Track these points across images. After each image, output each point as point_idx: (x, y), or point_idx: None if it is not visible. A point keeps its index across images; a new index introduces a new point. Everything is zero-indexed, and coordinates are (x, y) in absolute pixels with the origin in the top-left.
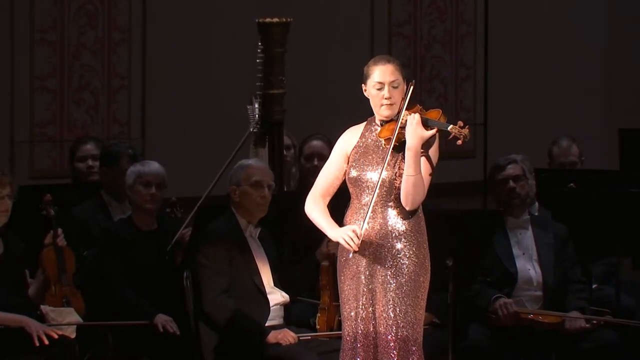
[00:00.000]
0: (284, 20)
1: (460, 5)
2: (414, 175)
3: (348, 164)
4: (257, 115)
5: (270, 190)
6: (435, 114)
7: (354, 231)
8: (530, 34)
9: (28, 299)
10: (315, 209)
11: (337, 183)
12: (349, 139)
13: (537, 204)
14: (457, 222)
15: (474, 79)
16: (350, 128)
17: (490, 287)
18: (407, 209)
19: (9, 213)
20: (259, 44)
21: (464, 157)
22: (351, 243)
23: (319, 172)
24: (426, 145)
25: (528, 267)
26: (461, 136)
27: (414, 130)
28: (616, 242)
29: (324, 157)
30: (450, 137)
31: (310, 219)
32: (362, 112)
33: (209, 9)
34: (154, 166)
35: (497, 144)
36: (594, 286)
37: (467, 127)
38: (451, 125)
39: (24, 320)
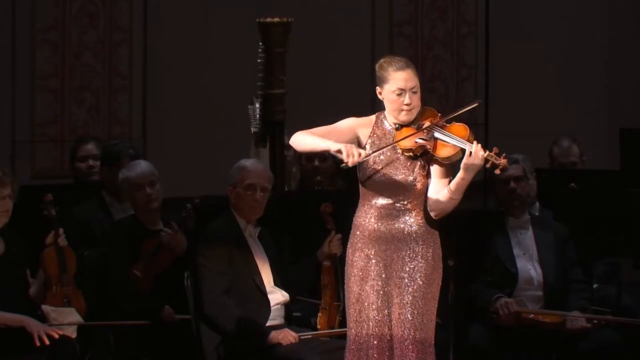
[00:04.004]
0: (285, 20)
1: (461, 5)
2: (459, 198)
3: (362, 163)
4: (258, 115)
5: (265, 192)
6: (463, 132)
7: (358, 151)
8: (530, 34)
9: (29, 299)
10: (307, 135)
11: None
12: (361, 127)
13: (537, 204)
14: (457, 222)
15: (474, 79)
16: (360, 119)
17: (491, 287)
18: (436, 219)
19: (10, 213)
20: (260, 44)
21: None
22: (350, 157)
23: (319, 172)
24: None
25: (529, 267)
26: (500, 165)
27: (477, 166)
28: (617, 242)
29: (324, 158)
30: (489, 165)
31: (301, 145)
32: (362, 112)
33: (210, 9)
34: (139, 167)
35: (497, 144)
36: (595, 286)
37: (504, 154)
38: (487, 152)
39: (25, 320)
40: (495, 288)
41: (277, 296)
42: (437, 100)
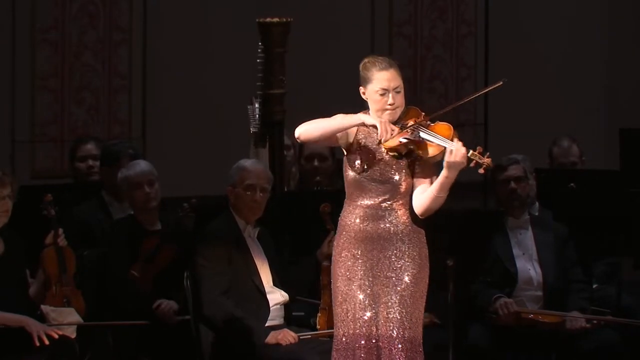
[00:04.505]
0: (284, 20)
1: (461, 5)
2: (443, 196)
3: (348, 160)
4: (257, 115)
5: (264, 193)
6: (446, 131)
7: (392, 127)
8: (530, 34)
9: (29, 299)
10: (323, 120)
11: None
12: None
13: (537, 204)
14: (457, 222)
15: (474, 79)
16: (349, 116)
17: (490, 287)
18: (421, 217)
19: (10, 213)
20: (259, 44)
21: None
22: (386, 133)
23: (319, 172)
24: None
25: (528, 267)
26: (483, 164)
27: (461, 165)
28: (617, 242)
29: (324, 158)
30: (472, 164)
31: (320, 130)
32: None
33: (210, 9)
34: (138, 167)
35: (497, 144)
36: (594, 286)
37: (487, 153)
38: (471, 152)
39: (25, 320)
40: (495, 288)
41: (276, 296)
42: (436, 100)
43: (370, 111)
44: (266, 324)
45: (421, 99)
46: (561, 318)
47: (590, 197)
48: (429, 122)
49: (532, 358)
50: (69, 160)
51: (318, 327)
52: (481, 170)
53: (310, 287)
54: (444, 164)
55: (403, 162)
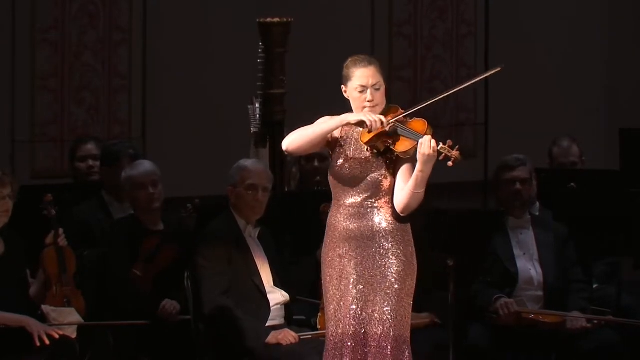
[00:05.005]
0: (284, 20)
1: (461, 5)
2: (421, 192)
3: (331, 161)
4: (257, 115)
5: (265, 192)
6: (420, 127)
7: (380, 118)
8: (530, 34)
9: (29, 299)
10: (308, 128)
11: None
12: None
13: (538, 204)
14: (457, 222)
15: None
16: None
17: (491, 287)
18: (403, 215)
19: (10, 213)
20: (260, 44)
21: (464, 157)
22: (376, 123)
23: (319, 172)
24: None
25: (529, 267)
26: (452, 157)
27: (430, 157)
28: (617, 242)
29: (324, 158)
30: (441, 157)
31: (307, 138)
32: None
33: (210, 9)
34: (142, 167)
35: (497, 144)
36: (595, 286)
37: (457, 147)
38: (440, 145)
39: (25, 320)
40: (495, 288)
41: (276, 296)
42: None
43: (353, 110)
44: (267, 324)
45: (421, 99)
46: (561, 318)
47: (590, 197)
48: (406, 119)
49: (532, 358)
50: (69, 160)
51: (318, 327)
52: (450, 163)
53: (310, 287)
54: (417, 157)
55: (384, 160)
